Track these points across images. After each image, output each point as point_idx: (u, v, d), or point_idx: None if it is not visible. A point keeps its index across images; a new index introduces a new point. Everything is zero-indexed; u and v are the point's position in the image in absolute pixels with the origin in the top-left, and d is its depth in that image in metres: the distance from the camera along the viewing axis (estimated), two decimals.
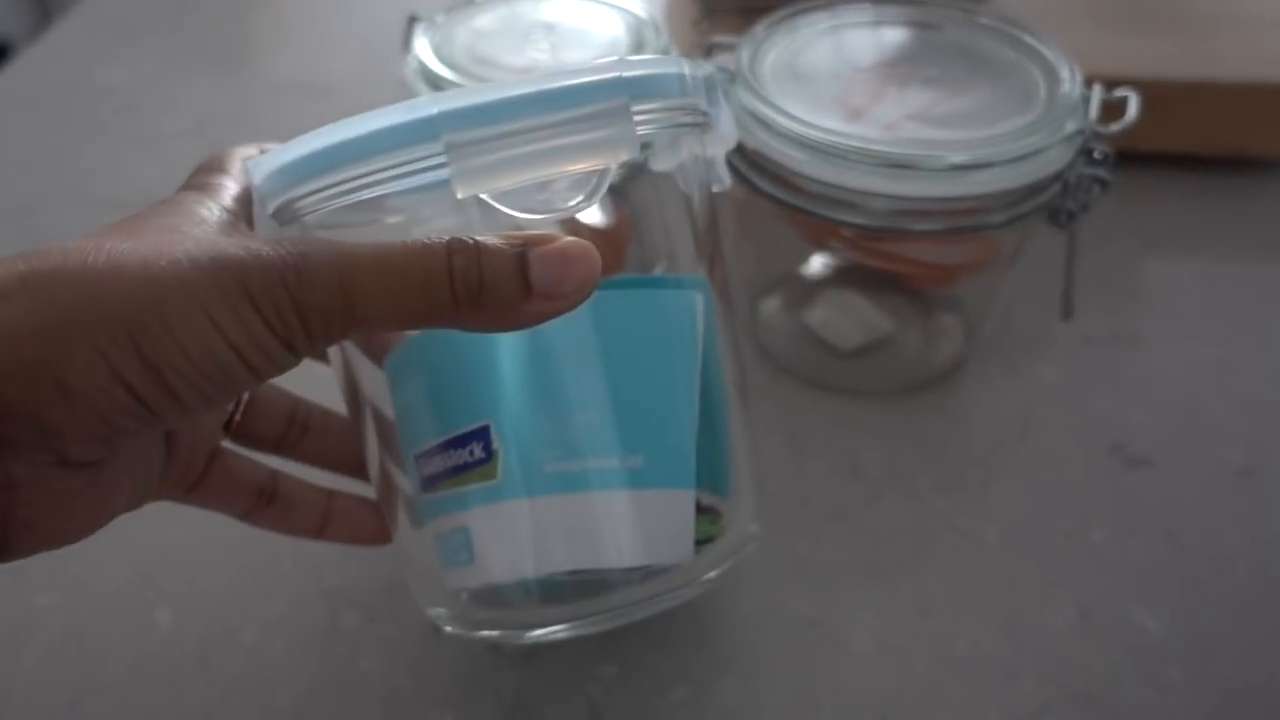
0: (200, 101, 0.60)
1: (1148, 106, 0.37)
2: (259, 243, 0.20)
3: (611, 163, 0.21)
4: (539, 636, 0.26)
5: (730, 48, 0.40)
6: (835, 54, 0.40)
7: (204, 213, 0.22)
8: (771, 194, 0.36)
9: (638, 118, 0.21)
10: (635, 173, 0.28)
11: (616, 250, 0.33)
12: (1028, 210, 0.35)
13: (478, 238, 0.20)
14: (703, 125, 0.25)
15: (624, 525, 0.25)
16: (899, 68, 0.39)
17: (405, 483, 0.27)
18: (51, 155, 0.55)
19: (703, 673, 0.32)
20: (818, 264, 0.45)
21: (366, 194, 0.21)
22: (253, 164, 0.23)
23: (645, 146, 0.25)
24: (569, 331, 0.23)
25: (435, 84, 0.38)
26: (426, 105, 0.20)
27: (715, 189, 0.28)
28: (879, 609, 0.34)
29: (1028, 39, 0.39)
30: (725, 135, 0.27)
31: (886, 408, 0.41)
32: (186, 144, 0.56)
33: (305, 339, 0.20)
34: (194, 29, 0.68)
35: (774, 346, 0.43)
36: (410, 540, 0.28)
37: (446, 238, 0.20)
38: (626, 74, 0.21)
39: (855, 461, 0.39)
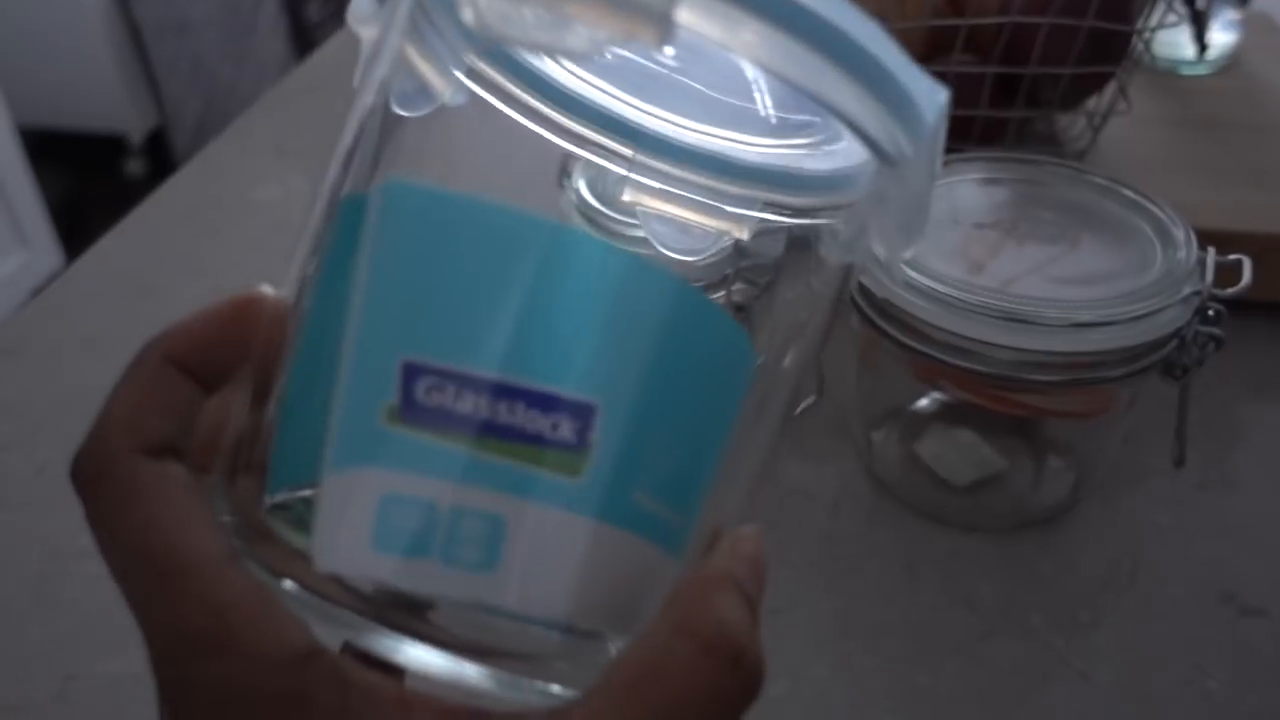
0: None
1: (1251, 258, 0.39)
2: None
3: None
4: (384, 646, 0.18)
5: None
6: (955, 208, 0.42)
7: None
8: (898, 339, 0.39)
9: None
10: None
11: None
12: (1144, 365, 0.37)
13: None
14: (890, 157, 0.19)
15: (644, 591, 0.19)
16: (1017, 224, 0.41)
17: (348, 391, 0.17)
18: (213, 264, 0.60)
19: None
20: (928, 400, 0.48)
21: None
22: None
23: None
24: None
25: (591, 219, 0.41)
26: None
27: (899, 252, 0.22)
28: None
29: (1136, 197, 0.42)
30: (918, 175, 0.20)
31: (999, 543, 0.43)
32: None
33: None
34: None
35: (887, 477, 0.45)
36: (334, 484, 0.17)
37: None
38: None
39: (970, 595, 0.40)
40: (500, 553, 0.17)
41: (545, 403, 0.17)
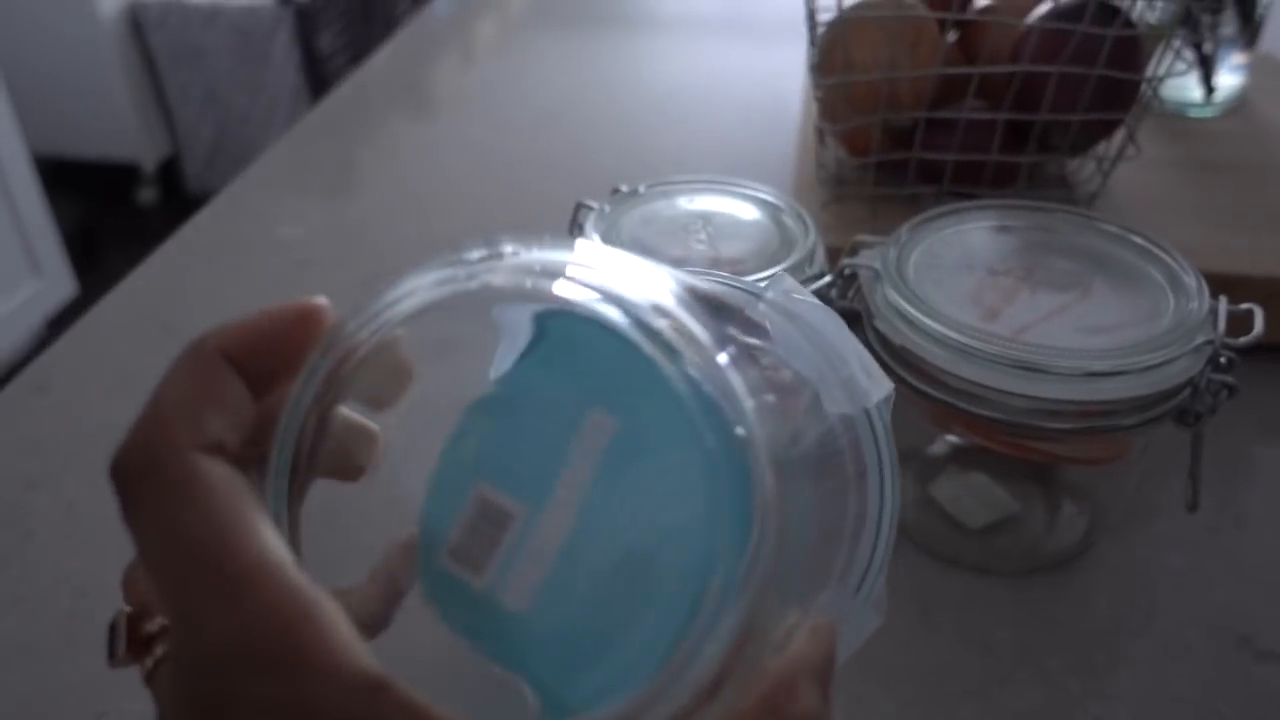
0: (367, 259, 0.66)
1: (1261, 301, 0.40)
2: None
3: None
4: None
5: (872, 245, 0.44)
6: (969, 254, 0.43)
7: None
8: (913, 385, 0.39)
9: None
10: None
11: None
12: (1158, 414, 0.38)
13: None
14: None
15: None
16: (1031, 271, 0.42)
17: None
18: (237, 303, 0.61)
19: None
20: (942, 443, 0.48)
21: None
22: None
23: None
24: None
25: None
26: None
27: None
28: None
29: (1147, 244, 0.42)
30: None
31: (1014, 586, 0.43)
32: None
33: None
34: (358, 188, 0.75)
35: (902, 519, 0.46)
36: None
37: None
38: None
39: (986, 638, 0.41)
40: None
41: None
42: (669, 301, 0.19)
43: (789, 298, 0.19)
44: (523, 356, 0.21)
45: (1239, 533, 0.46)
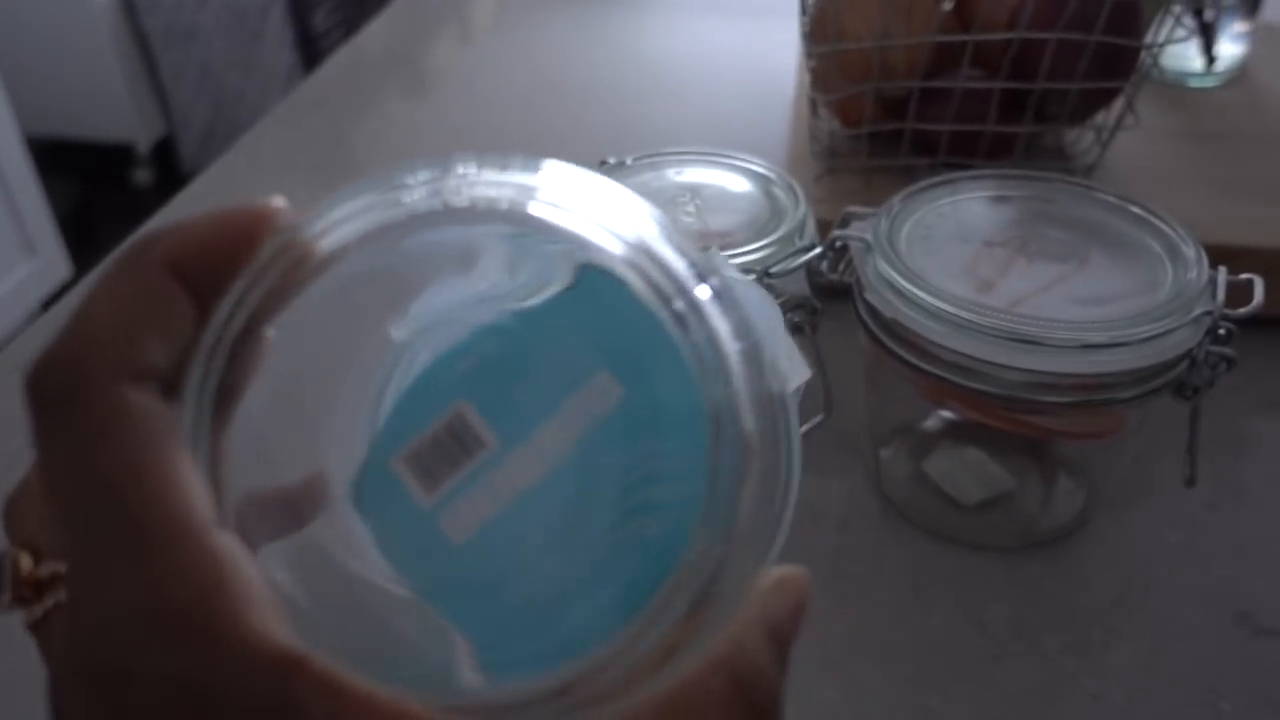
0: None
1: (1261, 272, 0.39)
2: None
3: None
4: None
5: (864, 217, 0.43)
6: (964, 225, 0.42)
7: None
8: (905, 359, 0.38)
9: None
10: None
11: None
12: (1155, 387, 0.37)
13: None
14: None
15: None
16: (1027, 242, 0.41)
17: None
18: None
19: None
20: (937, 418, 0.48)
21: None
22: None
23: None
24: None
25: None
26: None
27: None
28: None
29: (1145, 214, 0.41)
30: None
31: (1009, 562, 0.42)
32: None
33: None
34: (348, 163, 0.74)
35: (895, 495, 0.45)
36: None
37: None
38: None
39: (981, 615, 0.40)
40: None
41: None
42: (660, 247, 0.18)
43: (720, 274, 0.19)
44: (555, 297, 0.20)
45: (1237, 508, 0.45)
